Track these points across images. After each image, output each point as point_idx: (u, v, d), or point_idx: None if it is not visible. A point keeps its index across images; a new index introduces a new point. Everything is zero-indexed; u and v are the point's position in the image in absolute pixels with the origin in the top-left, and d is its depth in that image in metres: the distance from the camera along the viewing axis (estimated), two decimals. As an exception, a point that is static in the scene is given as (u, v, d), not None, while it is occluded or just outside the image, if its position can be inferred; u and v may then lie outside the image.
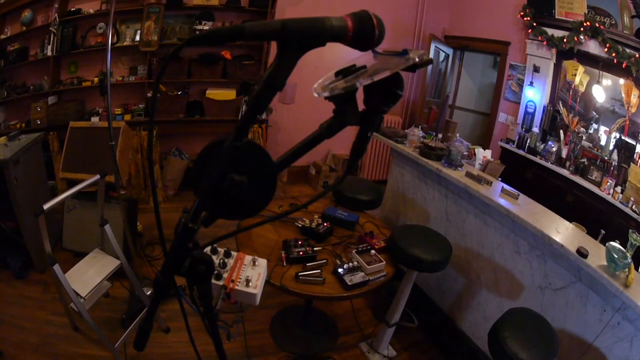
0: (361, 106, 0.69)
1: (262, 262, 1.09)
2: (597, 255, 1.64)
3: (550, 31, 3.70)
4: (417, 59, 0.62)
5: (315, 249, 2.01)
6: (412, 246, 1.99)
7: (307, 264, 1.93)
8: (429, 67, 4.62)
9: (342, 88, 0.63)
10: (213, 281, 0.98)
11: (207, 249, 1.05)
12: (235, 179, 0.64)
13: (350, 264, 1.92)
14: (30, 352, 2.30)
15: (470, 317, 2.37)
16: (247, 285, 1.01)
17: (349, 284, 1.83)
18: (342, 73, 0.67)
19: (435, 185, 2.64)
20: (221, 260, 1.05)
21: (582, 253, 1.64)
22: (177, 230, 0.70)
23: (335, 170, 4.72)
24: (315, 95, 0.66)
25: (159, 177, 4.00)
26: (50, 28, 3.55)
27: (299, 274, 1.85)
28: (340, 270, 1.89)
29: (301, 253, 1.95)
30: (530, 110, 4.05)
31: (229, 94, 4.02)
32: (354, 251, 2.02)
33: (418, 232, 2.19)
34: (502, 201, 2.05)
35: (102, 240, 2.29)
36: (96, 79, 3.74)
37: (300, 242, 2.00)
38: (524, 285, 2.02)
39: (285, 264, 1.92)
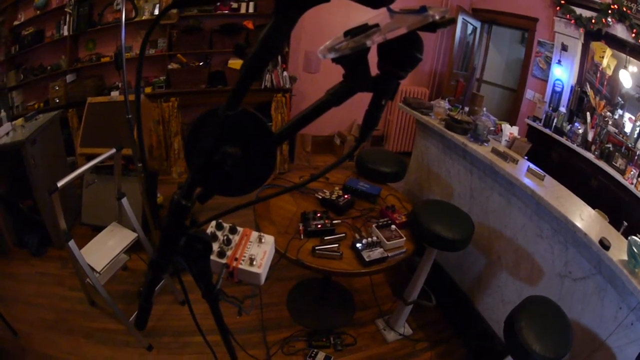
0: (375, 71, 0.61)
1: (269, 239, 1.03)
2: (618, 248, 1.53)
3: (578, 10, 3.50)
4: (436, 17, 0.53)
5: (334, 222, 1.95)
6: (433, 222, 1.90)
7: (325, 238, 1.87)
8: (457, 38, 4.44)
9: (349, 48, 0.55)
10: (216, 259, 0.93)
11: (212, 224, 1.00)
12: (227, 152, 0.58)
13: (370, 239, 1.85)
14: (45, 329, 2.34)
15: (489, 299, 2.29)
16: (251, 264, 0.95)
17: (367, 260, 1.77)
18: (352, 33, 0.59)
19: (460, 159, 2.53)
20: (225, 237, 0.98)
21: (604, 244, 1.53)
22: (170, 208, 0.65)
23: None
24: (321, 57, 0.58)
25: (181, 149, 4.00)
26: (66, 9, 3.55)
27: (316, 247, 1.79)
28: (358, 245, 1.82)
29: (319, 226, 1.89)
30: (558, 89, 3.86)
31: (252, 63, 3.96)
32: (374, 226, 1.95)
33: (440, 208, 2.10)
34: (528, 181, 1.94)
35: (120, 214, 2.29)
36: (112, 55, 3.73)
37: (319, 215, 1.94)
38: (544, 272, 1.92)
39: (302, 237, 1.87)
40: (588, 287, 1.70)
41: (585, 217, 1.74)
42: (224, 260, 0.94)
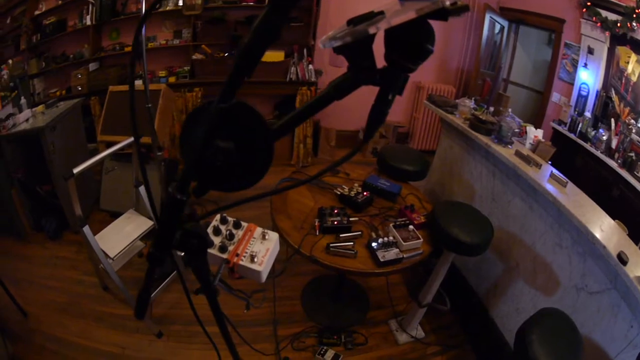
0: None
1: (273, 237, 0.99)
2: (635, 264, 1.46)
3: (604, 13, 3.37)
4: (447, 2, 0.48)
5: (351, 219, 1.91)
6: (452, 225, 1.85)
7: (341, 235, 1.84)
8: (484, 37, 4.34)
9: (351, 36, 0.51)
10: (217, 253, 0.91)
11: (217, 218, 0.98)
12: (219, 146, 0.56)
13: (386, 239, 1.80)
14: (56, 312, 2.38)
15: (504, 307, 2.23)
16: (252, 261, 0.91)
17: (381, 260, 1.72)
18: (355, 21, 0.55)
19: (483, 161, 2.46)
20: (228, 232, 0.96)
21: (622, 259, 1.46)
22: (165, 201, 0.64)
23: (385, 137, 4.56)
24: (321, 46, 0.55)
25: None
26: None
27: (331, 244, 1.76)
28: (374, 244, 1.78)
29: (335, 223, 1.85)
30: (584, 93, 3.73)
31: (277, 56, 3.92)
32: (391, 225, 1.90)
33: (460, 210, 2.04)
34: (550, 187, 1.87)
35: (137, 201, 2.31)
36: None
37: (336, 211, 1.91)
38: (561, 282, 1.85)
39: (317, 233, 1.84)
40: (602, 302, 1.63)
41: (605, 229, 1.66)
42: (224, 255, 0.92)
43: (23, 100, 2.86)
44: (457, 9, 0.50)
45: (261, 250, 0.95)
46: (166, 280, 2.24)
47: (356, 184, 2.18)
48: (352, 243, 1.80)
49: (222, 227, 0.98)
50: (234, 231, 0.97)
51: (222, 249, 0.92)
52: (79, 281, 2.52)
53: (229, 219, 1.00)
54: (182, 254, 0.74)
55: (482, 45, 4.43)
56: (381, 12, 0.54)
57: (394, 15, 0.50)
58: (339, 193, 2.10)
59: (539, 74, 4.95)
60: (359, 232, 1.88)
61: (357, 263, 1.73)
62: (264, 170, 0.61)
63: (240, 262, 0.91)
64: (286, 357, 2.13)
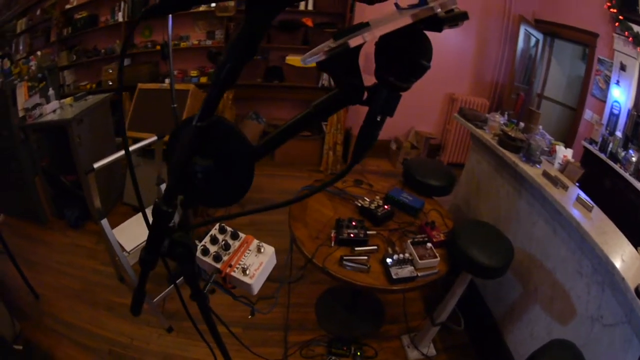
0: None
1: (269, 251, 1.00)
2: None
3: (636, 28, 3.21)
4: (438, 9, 0.42)
5: (368, 232, 1.88)
6: (471, 245, 1.79)
7: (356, 248, 1.81)
8: (519, 50, 4.23)
9: (330, 51, 0.46)
10: (211, 262, 0.93)
11: (216, 227, 1.00)
12: (197, 164, 0.56)
13: (402, 255, 1.76)
14: (69, 297, 2.44)
15: (518, 332, 2.15)
16: (244, 273, 0.93)
17: (394, 277, 1.68)
18: (341, 34, 0.50)
19: (510, 179, 2.38)
20: (224, 242, 0.97)
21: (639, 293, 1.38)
22: (152, 211, 0.66)
23: (416, 148, 4.50)
24: (302, 63, 0.52)
25: None
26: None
27: (344, 257, 1.73)
28: (388, 260, 1.74)
29: (352, 235, 1.83)
30: (616, 112, 3.56)
31: (309, 61, 3.96)
32: (409, 241, 1.85)
33: (482, 231, 1.97)
34: (575, 212, 1.79)
35: (158, 198, 2.35)
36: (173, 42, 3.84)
37: (354, 223, 1.88)
38: (577, 312, 1.77)
39: (333, 244, 1.82)
40: (615, 336, 1.56)
41: (626, 258, 1.58)
42: (218, 265, 0.93)
43: (51, 92, 2.96)
44: (452, 17, 0.44)
45: (254, 263, 0.96)
46: (181, 278, 2.26)
47: (378, 197, 2.15)
48: (366, 257, 1.77)
49: (220, 237, 0.99)
50: (230, 242, 0.99)
51: (217, 258, 0.94)
52: (96, 270, 2.59)
53: (228, 229, 1.02)
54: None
55: (517, 58, 4.33)
56: (366, 23, 0.49)
57: (379, 25, 0.45)
58: (359, 205, 2.08)
59: (572, 89, 4.78)
60: (375, 247, 1.85)
61: (369, 278, 1.70)
62: (245, 187, 0.60)
63: (232, 273, 0.92)
64: (294, 364, 2.12)
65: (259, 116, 4.10)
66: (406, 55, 0.48)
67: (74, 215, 2.92)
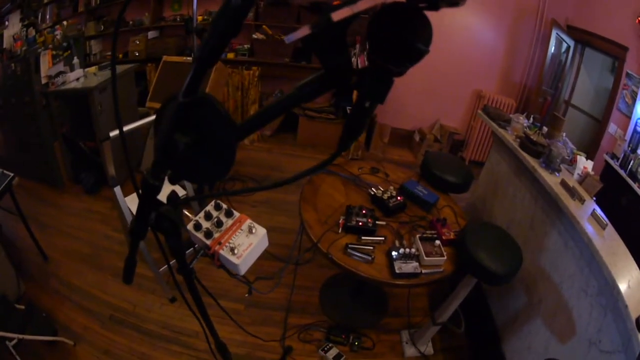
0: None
1: (260, 232, 0.99)
2: None
3: None
4: None
5: (377, 222, 1.86)
6: (479, 249, 1.74)
7: (363, 237, 1.80)
8: (549, 54, 4.13)
9: (312, 25, 0.42)
10: (202, 238, 0.93)
11: (212, 203, 1.00)
12: (176, 139, 0.54)
13: (408, 250, 1.73)
14: (77, 260, 2.48)
15: (516, 342, 2.11)
16: (232, 252, 0.92)
17: (397, 271, 1.66)
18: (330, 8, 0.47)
19: (528, 184, 2.33)
20: (216, 219, 0.97)
21: (639, 325, 1.32)
22: (141, 184, 0.66)
23: (439, 142, 4.42)
24: (286, 41, 0.48)
25: None
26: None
27: (349, 245, 1.72)
28: (393, 253, 1.71)
29: (360, 223, 1.81)
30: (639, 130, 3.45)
31: (339, 44, 3.92)
32: (417, 236, 1.82)
33: (493, 234, 1.93)
34: (589, 227, 1.72)
35: (146, 171, 2.37)
36: (200, 17, 3.85)
37: (364, 212, 1.86)
38: (576, 332, 1.72)
39: (340, 231, 1.81)
40: None
41: (633, 285, 1.51)
42: (208, 242, 0.93)
43: (76, 60, 3.02)
44: None
45: (244, 243, 0.95)
46: (189, 249, 2.29)
47: (392, 187, 2.11)
48: (372, 248, 1.76)
49: (214, 213, 0.99)
50: (223, 219, 0.98)
51: (208, 234, 0.94)
52: (107, 236, 2.62)
53: (223, 206, 1.01)
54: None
55: (547, 62, 4.22)
56: None
57: None
58: (372, 193, 2.05)
59: (600, 101, 4.65)
60: (382, 238, 1.83)
61: (372, 269, 1.68)
62: (227, 165, 0.59)
63: (221, 252, 0.92)
64: (289, 346, 2.13)
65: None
66: (401, 36, 0.44)
67: (90, 181, 2.97)
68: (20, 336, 1.84)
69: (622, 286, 1.48)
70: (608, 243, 1.69)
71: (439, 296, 2.53)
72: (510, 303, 2.27)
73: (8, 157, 3.22)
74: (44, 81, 2.83)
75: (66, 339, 2.07)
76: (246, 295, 2.03)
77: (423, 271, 1.71)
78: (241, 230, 0.98)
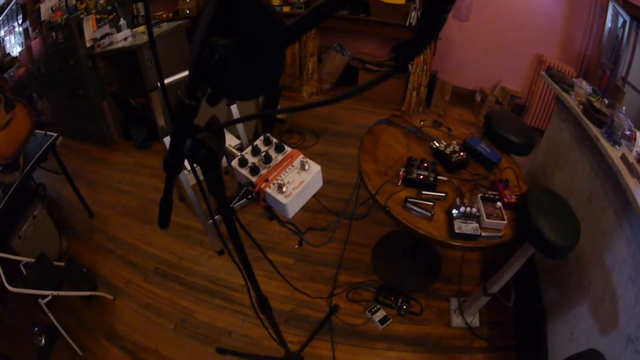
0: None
1: (314, 169, 0.86)
2: None
3: None
4: None
5: (439, 177, 1.79)
6: (541, 217, 1.65)
7: (423, 192, 1.73)
8: (606, 28, 3.99)
9: None
10: (247, 174, 0.82)
11: (261, 138, 0.89)
12: (214, 43, 0.48)
13: (469, 209, 1.65)
14: (124, 214, 2.49)
15: (561, 327, 2.01)
16: (280, 190, 0.80)
17: (456, 231, 1.59)
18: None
19: (589, 155, 2.23)
20: (264, 154, 0.85)
21: None
22: (175, 106, 0.59)
23: (500, 104, 4.32)
24: None
25: (315, 69, 4.07)
26: None
27: (409, 199, 1.66)
28: (454, 211, 1.63)
29: (421, 177, 1.74)
30: None
31: (398, -2, 3.84)
32: (479, 195, 1.75)
33: (554, 203, 1.83)
34: None
35: (228, 119, 2.36)
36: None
37: (425, 165, 1.80)
38: (618, 325, 1.60)
39: (399, 183, 1.75)
40: None
41: None
42: (253, 179, 0.82)
43: (122, 22, 3.07)
44: None
45: (294, 181, 0.83)
46: (241, 200, 2.29)
47: (455, 142, 2.02)
48: (432, 203, 1.69)
49: (263, 148, 0.88)
50: (273, 154, 0.87)
51: (254, 170, 0.83)
52: (157, 189, 2.63)
53: (273, 140, 0.90)
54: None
55: (605, 34, 4.09)
56: None
57: None
58: (434, 147, 1.98)
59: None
60: (444, 194, 1.76)
61: (430, 227, 1.62)
62: (275, 73, 0.52)
63: (267, 190, 0.81)
64: (336, 305, 2.10)
65: (343, 48, 4.04)
66: None
67: (142, 137, 3.00)
68: (55, 293, 1.84)
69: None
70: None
71: (491, 266, 2.45)
72: (561, 283, 2.17)
73: (57, 123, 3.30)
74: (88, 44, 2.90)
75: (106, 293, 2.09)
76: (296, 247, 1.97)
77: (482, 234, 1.64)
78: (292, 166, 0.86)
